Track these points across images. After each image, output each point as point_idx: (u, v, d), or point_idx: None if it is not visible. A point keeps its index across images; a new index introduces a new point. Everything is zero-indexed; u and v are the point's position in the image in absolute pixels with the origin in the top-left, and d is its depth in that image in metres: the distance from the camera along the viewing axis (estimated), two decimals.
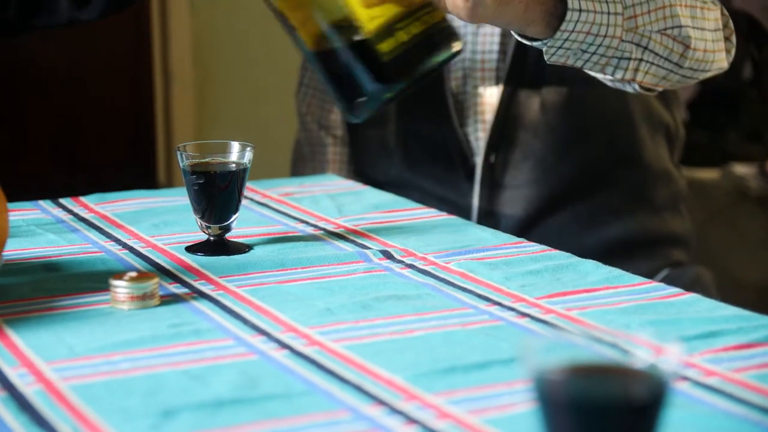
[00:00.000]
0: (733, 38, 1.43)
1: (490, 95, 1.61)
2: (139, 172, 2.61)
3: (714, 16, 1.39)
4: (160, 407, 0.81)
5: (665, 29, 1.32)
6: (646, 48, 1.31)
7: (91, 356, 0.91)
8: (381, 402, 0.83)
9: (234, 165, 1.21)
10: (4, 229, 1.05)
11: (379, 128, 1.68)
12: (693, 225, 1.77)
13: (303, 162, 1.81)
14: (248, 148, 1.21)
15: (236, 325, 0.98)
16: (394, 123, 1.66)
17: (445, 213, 1.39)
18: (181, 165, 1.22)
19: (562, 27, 1.25)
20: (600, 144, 1.63)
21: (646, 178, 1.67)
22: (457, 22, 1.62)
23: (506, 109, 1.60)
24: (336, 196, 1.45)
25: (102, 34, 2.51)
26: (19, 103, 2.53)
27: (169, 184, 2.78)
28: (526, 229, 1.60)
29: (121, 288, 1.02)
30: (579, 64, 1.31)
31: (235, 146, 1.22)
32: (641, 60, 1.32)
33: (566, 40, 1.26)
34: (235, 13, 3.10)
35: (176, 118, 2.89)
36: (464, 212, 1.62)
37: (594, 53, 1.29)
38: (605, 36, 1.28)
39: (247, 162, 1.21)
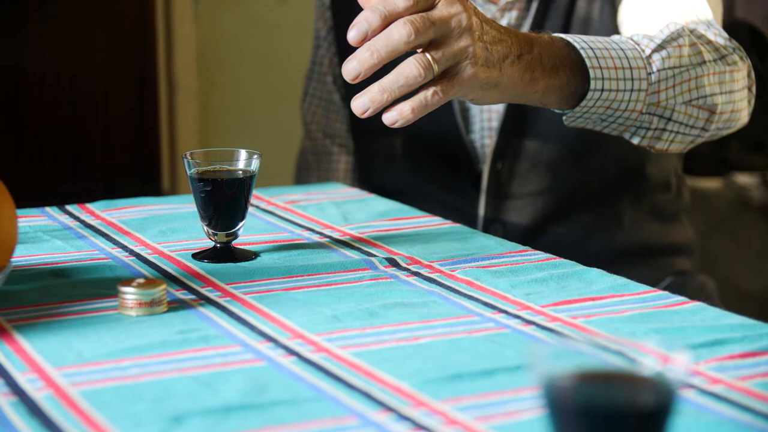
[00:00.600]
0: (754, 88, 1.44)
1: (497, 105, 1.62)
2: (143, 179, 2.61)
3: (742, 75, 1.40)
4: (169, 413, 0.82)
5: (690, 101, 1.33)
6: (669, 119, 1.33)
7: (99, 362, 0.91)
8: (388, 408, 0.83)
9: (241, 172, 1.22)
10: (13, 234, 1.05)
11: (386, 136, 1.69)
12: (696, 234, 1.77)
13: (308, 171, 1.81)
14: (255, 156, 1.22)
15: (244, 332, 0.99)
16: (401, 131, 1.67)
17: (450, 221, 1.39)
18: (188, 172, 1.22)
19: (582, 103, 1.26)
20: (607, 155, 1.63)
21: (651, 188, 1.67)
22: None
23: (513, 117, 1.61)
24: (341, 204, 1.46)
25: (107, 42, 2.52)
26: (25, 110, 2.53)
27: (174, 191, 2.79)
28: (532, 236, 1.60)
29: (129, 294, 1.03)
30: (596, 128, 1.32)
31: (242, 154, 1.23)
32: (663, 129, 1.33)
33: (584, 113, 1.28)
34: (238, 22, 3.11)
35: (180, 125, 2.90)
36: (470, 219, 1.62)
37: (612, 122, 1.31)
38: (625, 110, 1.29)
39: (254, 169, 1.22)
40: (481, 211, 1.63)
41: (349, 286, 1.12)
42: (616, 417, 0.64)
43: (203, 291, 1.10)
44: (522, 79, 1.19)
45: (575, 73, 1.25)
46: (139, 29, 2.56)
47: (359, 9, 1.73)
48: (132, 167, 2.61)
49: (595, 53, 1.26)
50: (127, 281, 1.04)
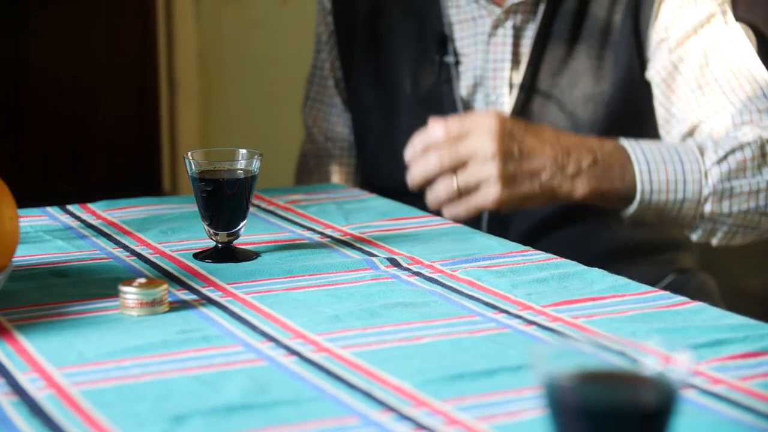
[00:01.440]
0: None
1: (502, 104, 1.62)
2: (144, 179, 2.61)
3: None
4: (171, 412, 0.82)
5: (747, 210, 1.48)
6: (724, 224, 1.50)
7: (101, 362, 0.91)
8: (390, 408, 0.83)
9: (242, 172, 1.22)
10: (15, 234, 1.05)
11: (389, 136, 1.69)
12: None
13: (308, 174, 1.81)
14: (256, 156, 1.22)
15: (245, 332, 0.99)
16: (405, 131, 1.67)
17: (451, 221, 1.39)
18: (189, 172, 1.22)
19: (629, 209, 1.48)
20: None
21: None
22: (463, 39, 1.63)
23: (518, 118, 1.61)
24: (342, 204, 1.46)
25: (108, 42, 2.52)
26: (25, 110, 2.53)
27: (174, 191, 2.79)
28: (536, 235, 1.60)
29: (130, 294, 1.03)
30: (656, 223, 1.54)
31: (244, 154, 1.23)
32: (719, 230, 1.51)
33: (635, 215, 1.48)
34: (239, 23, 3.11)
35: (181, 126, 2.90)
36: (474, 218, 1.62)
37: (668, 222, 1.52)
38: (677, 216, 1.49)
39: (255, 170, 1.22)
40: (486, 213, 1.63)
41: (350, 286, 1.12)
42: (618, 417, 0.64)
43: (204, 291, 1.10)
44: (561, 187, 1.44)
45: (626, 179, 1.46)
46: (140, 29, 2.56)
47: (360, 13, 1.73)
48: (133, 167, 2.61)
49: (649, 166, 1.46)
50: (129, 281, 1.04)
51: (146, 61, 2.56)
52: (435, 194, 1.43)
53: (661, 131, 1.60)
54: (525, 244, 1.28)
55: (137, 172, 2.60)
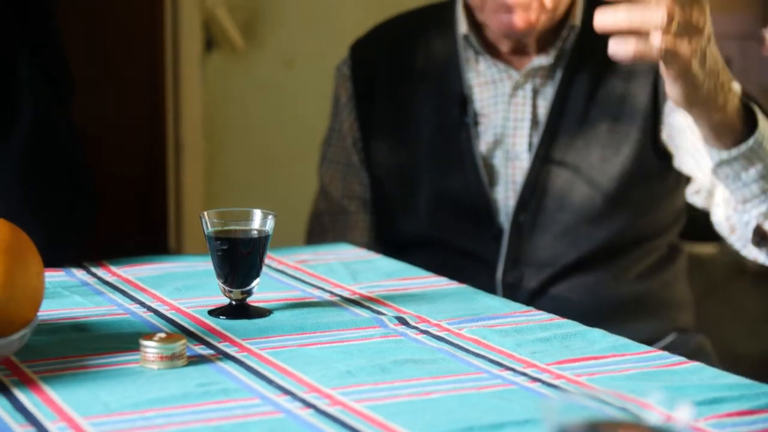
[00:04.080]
0: None
1: (522, 160, 1.68)
2: (150, 238, 2.65)
3: None
4: None
5: None
6: None
7: (126, 412, 0.95)
8: None
9: (256, 232, 1.26)
10: (41, 289, 1.09)
11: (408, 193, 1.75)
12: (693, 297, 1.83)
13: (323, 233, 1.85)
14: (270, 216, 1.27)
15: (261, 385, 1.03)
16: (425, 184, 1.73)
17: (455, 282, 1.43)
18: (205, 231, 1.27)
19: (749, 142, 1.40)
20: (624, 221, 1.69)
21: (655, 248, 1.74)
22: (484, 100, 1.69)
23: (536, 175, 1.67)
24: (350, 264, 1.50)
25: (118, 103, 2.58)
26: None
27: (179, 250, 2.83)
28: (547, 287, 1.66)
29: (150, 348, 1.07)
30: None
31: (258, 214, 1.27)
32: None
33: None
34: (245, 85, 3.17)
35: (186, 186, 2.95)
36: (489, 268, 1.68)
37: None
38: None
39: (269, 229, 1.26)
40: (502, 261, 1.68)
41: (360, 343, 1.16)
42: None
43: (221, 346, 1.14)
44: (711, 93, 1.34)
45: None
46: (148, 91, 2.62)
47: (380, 77, 1.80)
48: (139, 226, 2.65)
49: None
50: (149, 335, 1.08)
51: (154, 123, 2.62)
52: (648, 17, 1.29)
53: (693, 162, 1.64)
54: (536, 294, 1.32)
55: (144, 231, 2.65)
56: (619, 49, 1.30)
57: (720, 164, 1.42)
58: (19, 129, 1.41)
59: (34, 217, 1.33)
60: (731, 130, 1.39)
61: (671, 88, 1.34)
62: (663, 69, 1.32)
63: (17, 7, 1.47)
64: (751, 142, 1.39)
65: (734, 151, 1.40)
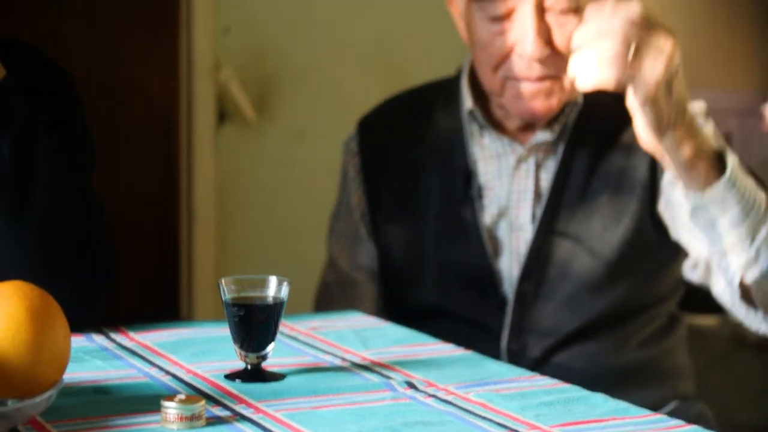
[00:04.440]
0: None
1: (525, 232, 1.74)
2: (163, 306, 2.70)
3: None
4: None
5: None
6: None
7: None
8: None
9: (272, 299, 1.32)
10: (67, 352, 1.14)
11: (415, 263, 1.80)
12: (694, 366, 1.88)
13: (331, 303, 1.90)
14: (285, 283, 1.32)
15: None
16: (431, 255, 1.78)
17: (462, 348, 1.48)
18: (222, 297, 1.32)
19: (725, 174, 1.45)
20: (624, 289, 1.74)
21: (657, 316, 1.79)
22: (488, 174, 1.76)
23: (540, 246, 1.73)
24: (360, 331, 1.55)
25: (133, 176, 2.64)
26: None
27: (191, 317, 2.87)
28: (550, 355, 1.71)
29: (171, 409, 1.12)
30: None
31: (273, 281, 1.33)
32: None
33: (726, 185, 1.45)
34: (256, 158, 3.24)
35: (198, 256, 3.01)
36: (494, 336, 1.72)
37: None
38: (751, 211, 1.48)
39: (284, 296, 1.32)
40: (506, 330, 1.73)
41: (371, 406, 1.21)
42: None
43: (238, 408, 1.19)
44: (679, 123, 1.43)
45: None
46: (163, 164, 2.68)
47: (387, 153, 1.87)
48: (152, 295, 2.70)
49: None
50: (169, 397, 1.13)
51: (167, 193, 2.67)
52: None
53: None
54: (540, 362, 1.37)
55: (157, 299, 2.69)
56: (579, 78, 1.39)
57: (695, 210, 1.48)
58: (38, 197, 1.46)
59: (54, 284, 1.38)
60: (704, 171, 1.46)
61: (638, 118, 1.41)
62: (628, 97, 1.39)
63: (43, 79, 1.54)
64: (722, 183, 1.45)
65: (708, 193, 1.45)
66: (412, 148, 1.84)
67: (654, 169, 1.72)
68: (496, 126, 1.80)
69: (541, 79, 1.69)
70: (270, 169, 3.25)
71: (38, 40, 1.67)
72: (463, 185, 1.78)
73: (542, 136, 1.76)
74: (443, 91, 1.86)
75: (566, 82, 1.70)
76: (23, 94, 1.48)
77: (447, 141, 1.81)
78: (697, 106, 1.67)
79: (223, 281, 1.32)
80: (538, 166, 1.76)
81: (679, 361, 1.82)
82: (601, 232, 1.72)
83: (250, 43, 3.25)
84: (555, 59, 1.68)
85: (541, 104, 1.70)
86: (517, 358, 1.72)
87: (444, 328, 1.69)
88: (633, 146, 1.73)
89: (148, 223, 2.69)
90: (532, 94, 1.69)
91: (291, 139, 3.28)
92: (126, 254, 2.67)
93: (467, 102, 1.80)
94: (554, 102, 1.71)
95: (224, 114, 3.19)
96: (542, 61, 1.67)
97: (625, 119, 1.72)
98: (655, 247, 1.74)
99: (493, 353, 1.68)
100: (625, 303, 1.75)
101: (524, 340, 1.73)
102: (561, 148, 1.76)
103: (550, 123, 1.77)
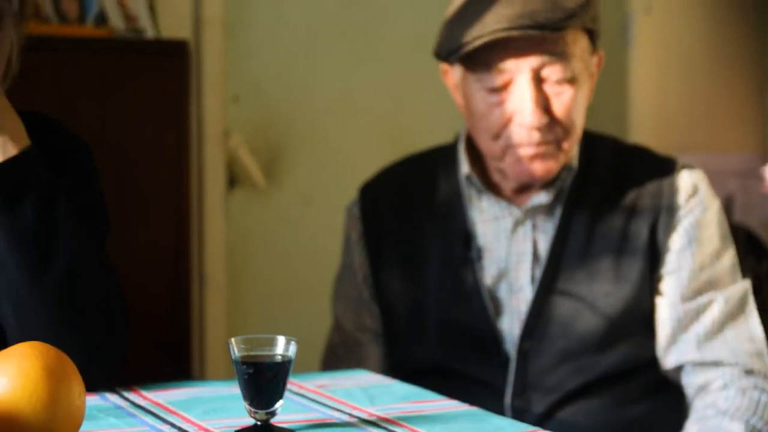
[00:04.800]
0: None
1: (525, 292, 1.78)
2: (173, 366, 2.73)
3: None
4: None
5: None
6: None
7: None
8: None
9: (280, 357, 1.36)
10: (82, 410, 1.19)
11: (417, 323, 1.84)
12: None
13: (337, 363, 1.94)
14: (293, 342, 1.36)
15: None
16: (433, 315, 1.82)
17: (467, 404, 1.52)
18: (232, 356, 1.36)
19: None
20: (627, 349, 1.78)
21: (662, 375, 1.82)
22: (487, 236, 1.81)
23: (540, 305, 1.77)
24: (367, 388, 1.59)
25: (145, 240, 2.68)
26: None
27: (202, 377, 2.90)
28: (554, 412, 1.74)
29: None
30: None
31: (281, 340, 1.37)
32: None
33: None
34: (265, 221, 3.29)
35: (209, 317, 3.05)
36: (498, 394, 1.76)
37: None
38: None
39: (292, 354, 1.36)
40: (510, 387, 1.77)
41: None
42: None
43: None
44: None
45: None
46: (175, 227, 2.73)
47: (388, 217, 1.92)
48: (163, 356, 2.73)
49: None
50: None
51: (179, 257, 2.72)
52: None
53: (661, 344, 1.77)
54: (544, 419, 1.40)
55: (169, 359, 2.73)
56: None
57: None
58: (58, 261, 1.52)
59: (71, 344, 1.42)
60: None
61: None
62: None
63: (62, 149, 1.61)
64: None
65: None
66: (413, 213, 1.89)
67: (654, 233, 1.77)
68: (494, 189, 1.85)
69: (540, 144, 1.74)
70: (278, 232, 3.31)
71: (52, 109, 1.74)
72: (463, 247, 1.82)
73: (538, 199, 1.81)
74: (442, 156, 1.91)
75: (564, 146, 1.75)
76: (46, 162, 1.55)
77: (446, 205, 1.86)
78: (696, 176, 1.74)
79: (233, 340, 1.36)
80: (536, 229, 1.81)
81: (682, 415, 1.85)
82: (604, 292, 1.76)
83: (259, 110, 3.31)
84: (553, 126, 1.73)
85: (541, 167, 1.75)
86: (521, 414, 1.75)
87: (447, 386, 1.72)
88: (634, 209, 1.77)
89: (161, 284, 2.72)
90: (531, 158, 1.75)
91: (299, 203, 3.33)
92: (138, 315, 2.71)
93: (464, 167, 1.85)
94: (553, 165, 1.76)
95: (234, 179, 3.25)
96: (541, 129, 1.72)
97: (623, 182, 1.77)
98: (655, 308, 1.79)
99: (497, 410, 1.71)
100: (628, 360, 1.78)
101: (528, 397, 1.77)
102: (558, 211, 1.80)
103: (546, 186, 1.81)
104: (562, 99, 1.72)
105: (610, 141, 1.89)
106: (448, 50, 1.75)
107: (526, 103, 1.71)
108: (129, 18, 2.79)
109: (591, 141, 1.86)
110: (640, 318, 1.78)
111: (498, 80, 1.72)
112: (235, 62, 3.24)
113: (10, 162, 1.51)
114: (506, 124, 1.74)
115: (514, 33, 1.67)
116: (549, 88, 1.73)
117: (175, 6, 3.02)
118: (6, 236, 1.50)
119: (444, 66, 1.84)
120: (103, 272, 1.58)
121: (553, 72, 1.71)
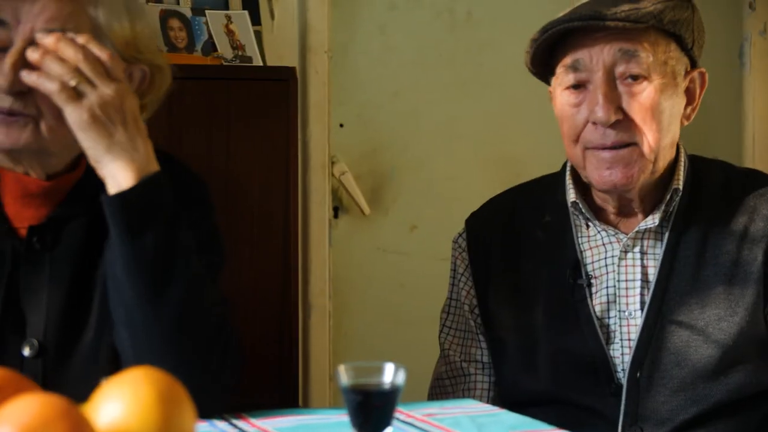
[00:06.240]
0: None
1: (635, 318, 1.75)
2: (280, 395, 2.74)
3: None
4: None
5: None
6: None
7: None
8: None
9: (388, 385, 1.34)
10: None
11: (527, 353, 1.82)
12: None
13: (444, 395, 1.93)
14: (401, 370, 1.35)
15: None
16: (543, 344, 1.80)
17: None
18: (341, 384, 1.35)
19: None
20: (743, 377, 1.74)
21: None
22: (596, 263, 1.78)
23: (651, 333, 1.74)
24: (475, 417, 1.57)
25: (251, 270, 2.70)
26: None
27: (307, 405, 2.91)
28: None
29: None
30: None
31: (390, 368, 1.36)
32: None
33: None
34: (369, 248, 3.30)
35: (314, 346, 3.06)
36: (610, 424, 1.73)
37: None
38: None
39: (400, 382, 1.34)
40: (621, 416, 1.74)
41: None
42: None
43: None
44: None
45: None
46: (282, 257, 2.74)
47: (495, 248, 1.91)
48: (270, 385, 2.74)
49: None
50: None
51: (286, 286, 2.73)
52: None
53: None
54: None
55: (274, 388, 2.74)
56: None
57: None
58: (176, 290, 1.53)
59: (184, 371, 1.43)
60: None
61: None
62: None
63: (184, 185, 1.65)
64: None
65: None
66: (520, 243, 1.88)
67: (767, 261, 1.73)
68: (600, 216, 1.82)
69: (618, 147, 1.72)
70: (383, 259, 3.30)
71: (160, 136, 1.76)
72: (572, 275, 1.80)
73: (644, 224, 1.78)
74: (547, 185, 1.90)
75: (645, 150, 1.72)
76: (172, 193, 1.57)
77: (553, 233, 1.84)
78: None
79: (341, 368, 1.36)
80: (644, 254, 1.78)
81: None
82: (717, 320, 1.73)
83: (364, 137, 3.32)
84: (628, 126, 1.72)
85: (621, 174, 1.73)
86: None
87: (557, 416, 1.69)
88: (747, 233, 1.73)
89: (268, 313, 2.74)
90: (610, 163, 1.73)
91: (404, 230, 3.33)
92: (247, 345, 2.73)
93: (570, 194, 1.83)
94: (634, 171, 1.73)
95: (339, 206, 3.26)
96: (614, 127, 1.71)
97: (735, 205, 1.73)
98: None
99: None
100: (743, 389, 1.73)
101: (640, 428, 1.73)
102: (666, 236, 1.77)
103: (651, 210, 1.78)
104: (637, 98, 1.71)
105: (719, 163, 1.86)
106: (530, 56, 1.77)
107: (598, 100, 1.71)
108: (237, 47, 2.83)
109: (699, 164, 1.83)
110: (754, 345, 1.73)
111: (574, 78, 1.73)
112: (341, 89, 3.26)
113: (140, 185, 1.53)
114: (584, 124, 1.75)
115: (576, 24, 1.70)
116: (623, 87, 1.72)
117: (281, 35, 3.05)
118: (126, 261, 1.52)
119: (550, 89, 1.83)
120: (217, 302, 1.59)
121: (627, 68, 1.71)
